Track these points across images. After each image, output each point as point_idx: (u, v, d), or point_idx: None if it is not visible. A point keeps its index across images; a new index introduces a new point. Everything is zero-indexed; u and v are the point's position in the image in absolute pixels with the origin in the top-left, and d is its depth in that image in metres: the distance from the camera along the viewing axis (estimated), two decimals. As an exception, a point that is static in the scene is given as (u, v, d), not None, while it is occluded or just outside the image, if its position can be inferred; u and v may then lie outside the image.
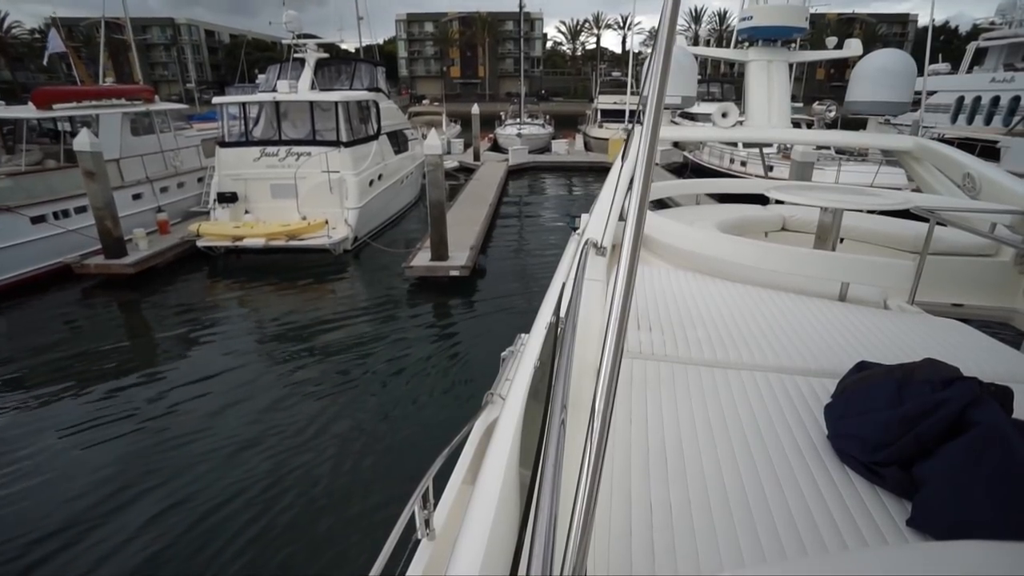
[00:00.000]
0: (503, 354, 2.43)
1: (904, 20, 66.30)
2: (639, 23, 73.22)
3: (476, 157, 22.63)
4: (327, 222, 10.77)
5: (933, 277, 3.67)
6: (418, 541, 1.48)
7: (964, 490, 1.16)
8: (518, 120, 28.56)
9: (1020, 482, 1.10)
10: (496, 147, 26.79)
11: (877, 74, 4.99)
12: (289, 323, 8.49)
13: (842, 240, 4.32)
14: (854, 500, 1.32)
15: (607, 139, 25.67)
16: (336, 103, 11.29)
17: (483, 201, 14.48)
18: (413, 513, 1.39)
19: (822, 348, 2.17)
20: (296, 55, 13.01)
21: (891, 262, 2.81)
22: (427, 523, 1.46)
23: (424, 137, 19.31)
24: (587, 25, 75.08)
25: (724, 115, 5.57)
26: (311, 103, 11.39)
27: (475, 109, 22.76)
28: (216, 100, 11.78)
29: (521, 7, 30.52)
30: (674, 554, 1.17)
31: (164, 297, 9.66)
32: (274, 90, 11.75)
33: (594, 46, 73.19)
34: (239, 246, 10.52)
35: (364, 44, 26.81)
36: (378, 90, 13.96)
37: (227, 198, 11.28)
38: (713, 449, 1.52)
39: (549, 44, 77.37)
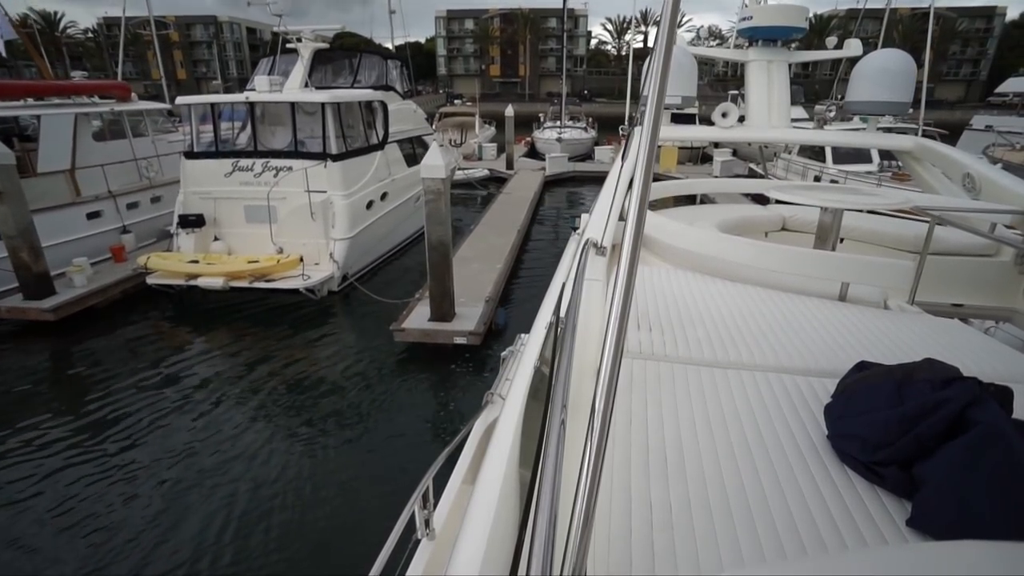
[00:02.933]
0: (503, 354, 2.46)
1: (990, 14, 59.96)
2: (689, 20, 69.16)
3: (509, 165, 20.06)
4: (302, 259, 8.39)
5: (933, 277, 3.66)
6: (418, 541, 1.47)
7: (964, 490, 1.15)
8: (558, 123, 25.74)
9: (1020, 482, 1.09)
10: (533, 151, 24.27)
11: (877, 74, 4.95)
12: (238, 392, 6.47)
13: (842, 240, 4.25)
14: (854, 500, 1.31)
15: (659, 146, 22.59)
16: (323, 104, 8.89)
17: (511, 224, 11.92)
18: (413, 513, 1.39)
19: (822, 348, 2.17)
20: (289, 46, 10.73)
21: (891, 262, 2.80)
22: (427, 523, 1.46)
23: (453, 143, 16.47)
24: (634, 22, 71.64)
25: (724, 115, 5.50)
26: (292, 105, 9.03)
27: (509, 110, 20.08)
28: (180, 100, 9.56)
29: (565, 2, 27.66)
30: (674, 554, 1.16)
31: (91, 352, 7.45)
32: (252, 88, 9.49)
33: (641, 45, 69.59)
34: (193, 286, 8.26)
35: (397, 40, 24.81)
36: (388, 88, 11.54)
37: (192, 222, 9.05)
38: (713, 449, 1.50)
39: (593, 42, 74.21)
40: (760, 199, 4.81)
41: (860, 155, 13.67)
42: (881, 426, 1.37)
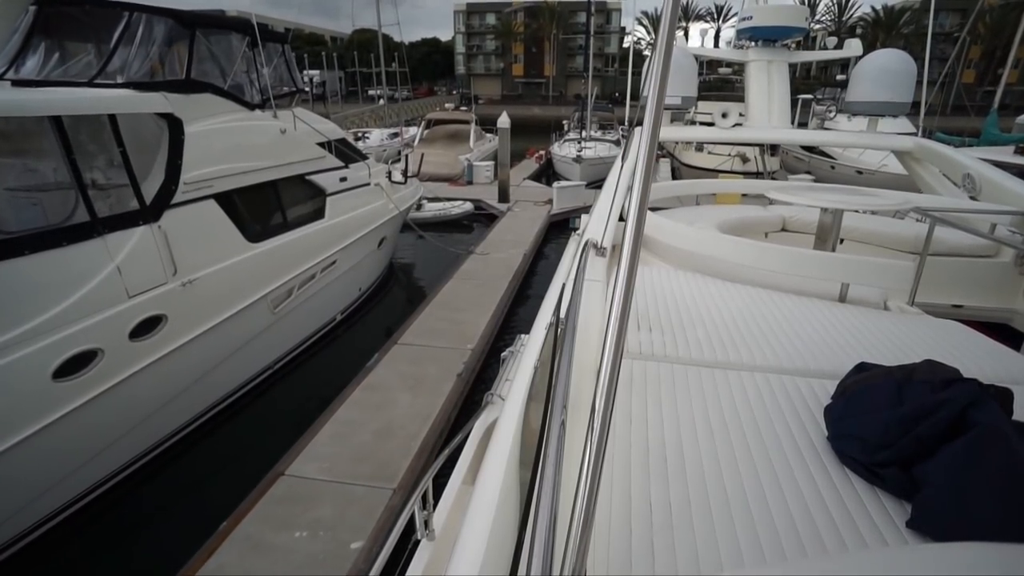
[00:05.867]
0: (503, 354, 2.49)
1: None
2: (737, 14, 61.93)
3: (503, 196, 14.13)
4: None
5: (933, 278, 3.67)
6: (418, 541, 1.48)
7: (964, 491, 1.15)
8: (582, 133, 19.46)
9: (1020, 483, 1.09)
10: (550, 168, 18.67)
11: (877, 74, 4.98)
12: None
13: (842, 241, 4.25)
14: (854, 501, 1.31)
15: (714, 170, 15.89)
16: None
17: (461, 340, 6.04)
18: (413, 513, 1.40)
19: (822, 349, 2.16)
20: None
21: (891, 263, 2.81)
22: (427, 523, 1.47)
23: (403, 174, 9.18)
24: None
25: (724, 115, 5.73)
26: None
27: (503, 120, 13.95)
28: None
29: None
30: (674, 554, 1.16)
31: None
32: None
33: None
34: None
35: (395, 33, 19.67)
36: (193, 85, 5.53)
37: None
38: (713, 450, 1.51)
39: (629, 40, 67.60)
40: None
41: None
42: (881, 427, 1.38)
